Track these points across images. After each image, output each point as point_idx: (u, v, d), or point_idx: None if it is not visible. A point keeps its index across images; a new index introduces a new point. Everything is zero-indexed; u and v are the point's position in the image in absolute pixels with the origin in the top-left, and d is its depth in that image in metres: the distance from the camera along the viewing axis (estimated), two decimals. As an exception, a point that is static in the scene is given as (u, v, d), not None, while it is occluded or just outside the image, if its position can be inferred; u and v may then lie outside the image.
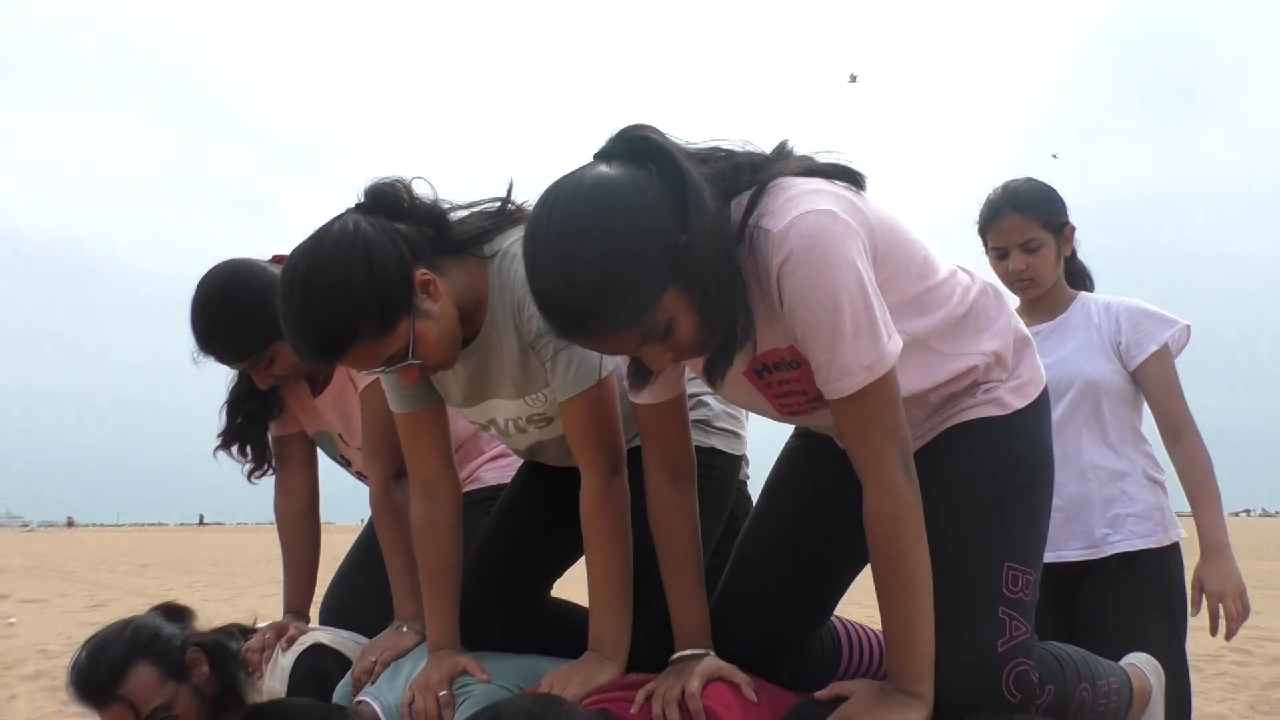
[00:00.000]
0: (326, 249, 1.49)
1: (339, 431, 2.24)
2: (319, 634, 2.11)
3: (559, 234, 1.22)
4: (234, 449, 2.25)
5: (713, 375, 1.35)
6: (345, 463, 2.32)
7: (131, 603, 10.76)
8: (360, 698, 1.76)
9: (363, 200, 1.58)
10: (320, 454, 2.39)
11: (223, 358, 2.03)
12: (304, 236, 1.55)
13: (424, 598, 1.81)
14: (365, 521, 2.36)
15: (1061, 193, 2.35)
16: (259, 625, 2.20)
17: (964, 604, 1.36)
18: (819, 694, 1.38)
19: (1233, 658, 5.98)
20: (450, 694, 1.65)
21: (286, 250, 1.58)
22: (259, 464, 2.28)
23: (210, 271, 2.03)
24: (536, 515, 1.95)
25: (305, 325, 1.49)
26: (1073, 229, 2.37)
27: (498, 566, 1.91)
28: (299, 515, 2.32)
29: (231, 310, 1.97)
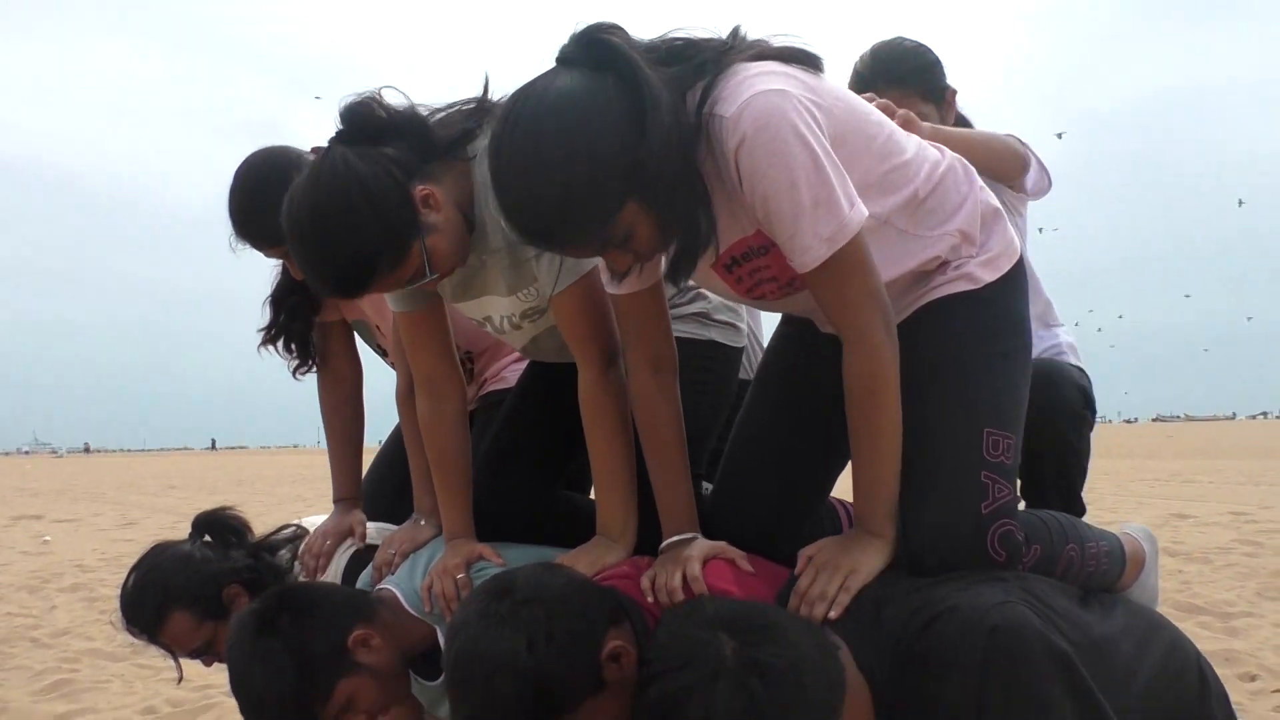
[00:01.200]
0: (325, 195, 1.48)
1: (375, 323, 2.27)
2: (370, 532, 2.16)
3: (521, 152, 1.25)
4: (279, 345, 2.27)
5: (676, 278, 1.40)
6: (382, 352, 2.36)
7: (162, 520, 11.03)
8: (381, 586, 1.82)
9: (341, 128, 1.57)
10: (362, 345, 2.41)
11: (258, 243, 2.04)
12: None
13: (437, 490, 1.86)
14: (395, 427, 2.41)
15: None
16: (309, 521, 2.24)
17: (946, 470, 1.41)
18: (797, 570, 1.43)
19: (1243, 550, 6.04)
20: (468, 577, 1.70)
21: (324, 141, 1.60)
22: (303, 360, 2.30)
23: (249, 156, 2.04)
24: (545, 411, 1.99)
25: (322, 271, 1.52)
26: (954, 93, 2.13)
27: (509, 460, 1.96)
28: (343, 403, 2.36)
29: (268, 194, 1.95)
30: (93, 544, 9.03)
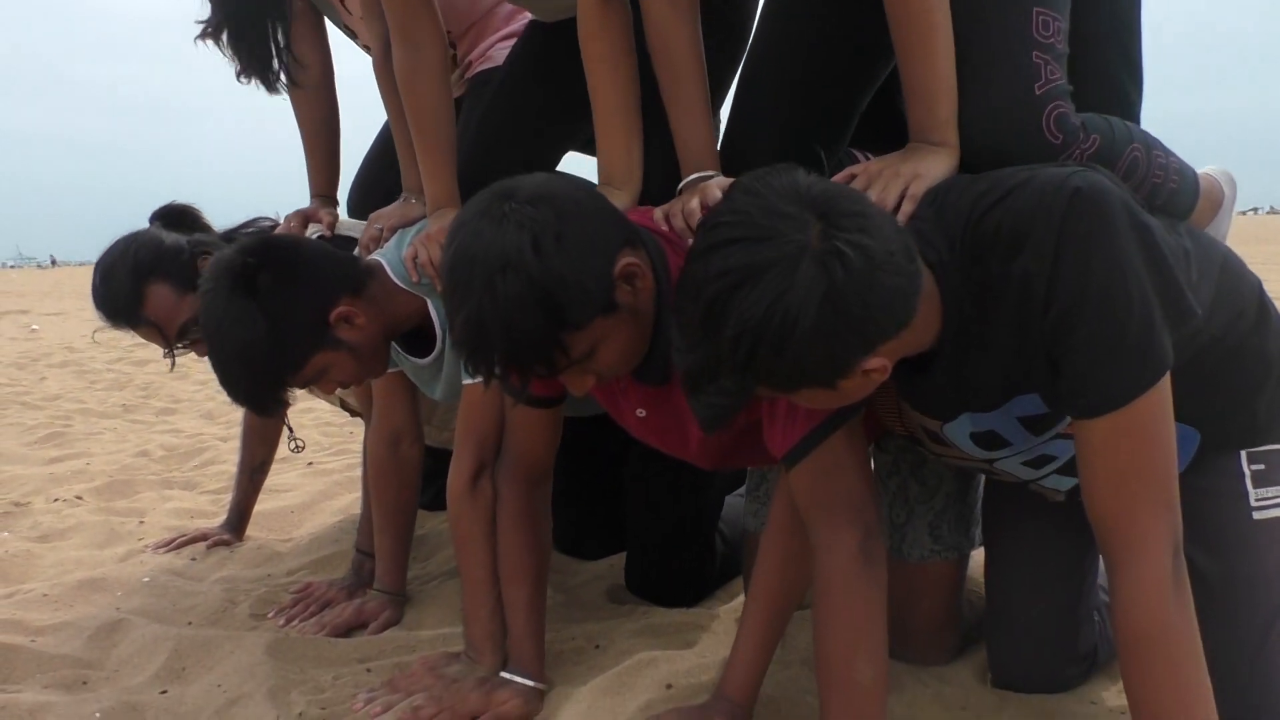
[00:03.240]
0: None
1: None
2: (342, 225, 2.02)
3: None
4: (223, 40, 2.02)
5: None
6: (351, 33, 2.14)
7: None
8: (369, 257, 1.68)
9: None
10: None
11: None
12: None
13: (418, 155, 1.70)
14: (379, 130, 2.23)
15: None
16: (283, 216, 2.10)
17: (995, 49, 1.26)
18: (834, 178, 1.28)
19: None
20: None
21: None
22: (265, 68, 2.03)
23: None
24: (542, 77, 1.81)
25: None
26: None
27: (503, 127, 1.82)
28: (313, 91, 2.13)
29: None
30: (80, 330, 8.98)
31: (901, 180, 1.18)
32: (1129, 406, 0.98)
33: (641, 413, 1.45)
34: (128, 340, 8.19)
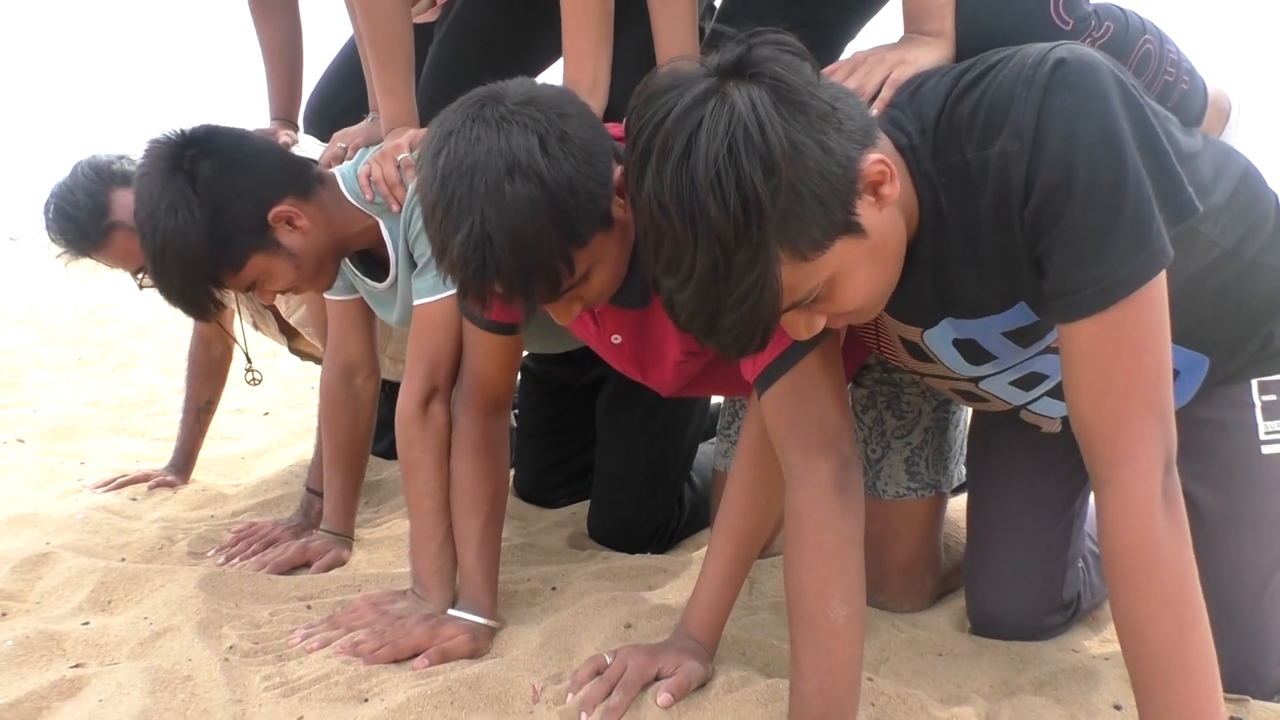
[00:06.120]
0: None
1: None
2: (307, 147, 1.93)
3: None
4: None
5: None
6: None
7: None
8: (325, 171, 1.57)
9: None
10: None
11: None
12: None
13: (375, 73, 1.59)
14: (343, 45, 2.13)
15: None
16: None
17: None
18: (827, 70, 1.17)
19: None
20: (411, 158, 1.45)
21: None
22: None
23: None
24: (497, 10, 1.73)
25: None
26: None
27: (466, 39, 1.74)
28: (273, 9, 2.03)
29: None
30: (45, 291, 8.76)
31: (885, 66, 1.08)
32: (1122, 303, 0.88)
33: (617, 338, 1.35)
34: (91, 301, 8.01)
